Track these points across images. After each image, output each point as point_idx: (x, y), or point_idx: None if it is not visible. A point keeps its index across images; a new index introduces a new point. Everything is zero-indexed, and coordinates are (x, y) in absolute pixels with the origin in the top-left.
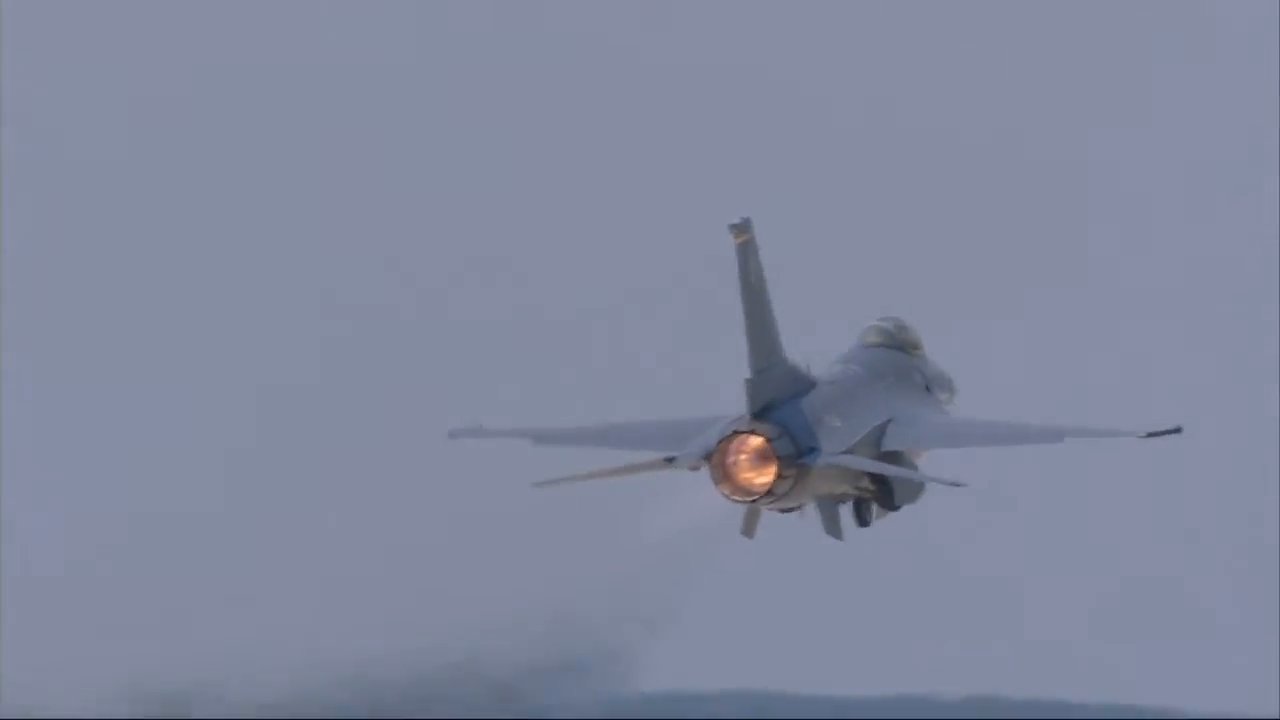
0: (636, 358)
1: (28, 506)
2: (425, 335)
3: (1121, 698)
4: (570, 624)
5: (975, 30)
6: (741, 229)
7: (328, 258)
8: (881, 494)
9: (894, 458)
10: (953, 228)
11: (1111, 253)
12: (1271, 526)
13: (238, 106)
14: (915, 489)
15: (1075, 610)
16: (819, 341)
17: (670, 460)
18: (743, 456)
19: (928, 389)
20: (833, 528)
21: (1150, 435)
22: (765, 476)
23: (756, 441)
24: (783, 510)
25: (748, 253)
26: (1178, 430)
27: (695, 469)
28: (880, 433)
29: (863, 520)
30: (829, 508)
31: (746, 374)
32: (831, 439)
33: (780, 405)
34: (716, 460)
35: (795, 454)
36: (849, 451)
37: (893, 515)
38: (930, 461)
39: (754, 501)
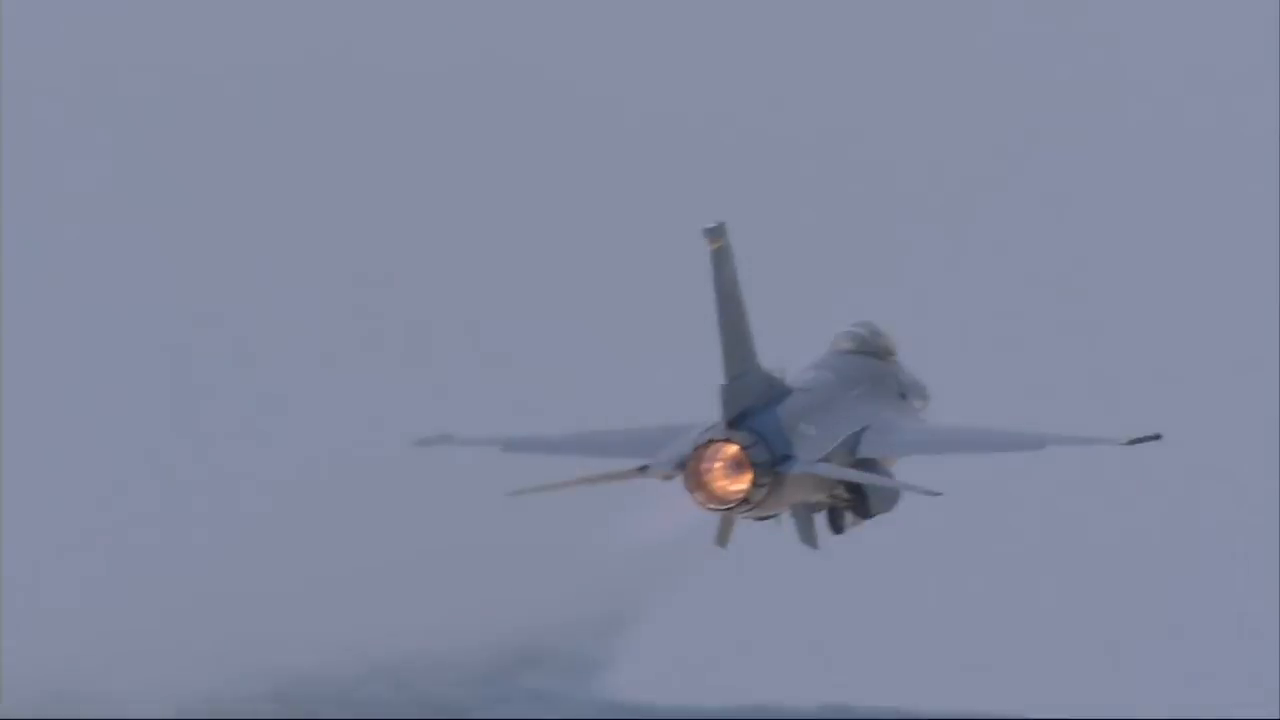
0: (608, 364)
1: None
2: (392, 341)
3: (1100, 711)
4: (539, 634)
5: (944, 33)
6: (716, 234)
7: (298, 264)
8: (856, 502)
9: (869, 465)
10: (926, 232)
11: (1086, 257)
12: (1254, 533)
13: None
14: (890, 497)
15: (1050, 621)
16: (790, 347)
17: (643, 469)
18: (717, 465)
19: (902, 396)
20: (807, 536)
21: (1131, 442)
22: (740, 485)
23: (731, 449)
24: (757, 519)
25: (722, 258)
26: (1157, 437)
27: (668, 478)
28: (855, 440)
29: (837, 528)
30: (804, 516)
31: (720, 381)
32: (806, 447)
33: (755, 413)
34: (690, 468)
35: (770, 462)
36: (824, 460)
37: (867, 523)
38: (908, 469)
39: (728, 510)
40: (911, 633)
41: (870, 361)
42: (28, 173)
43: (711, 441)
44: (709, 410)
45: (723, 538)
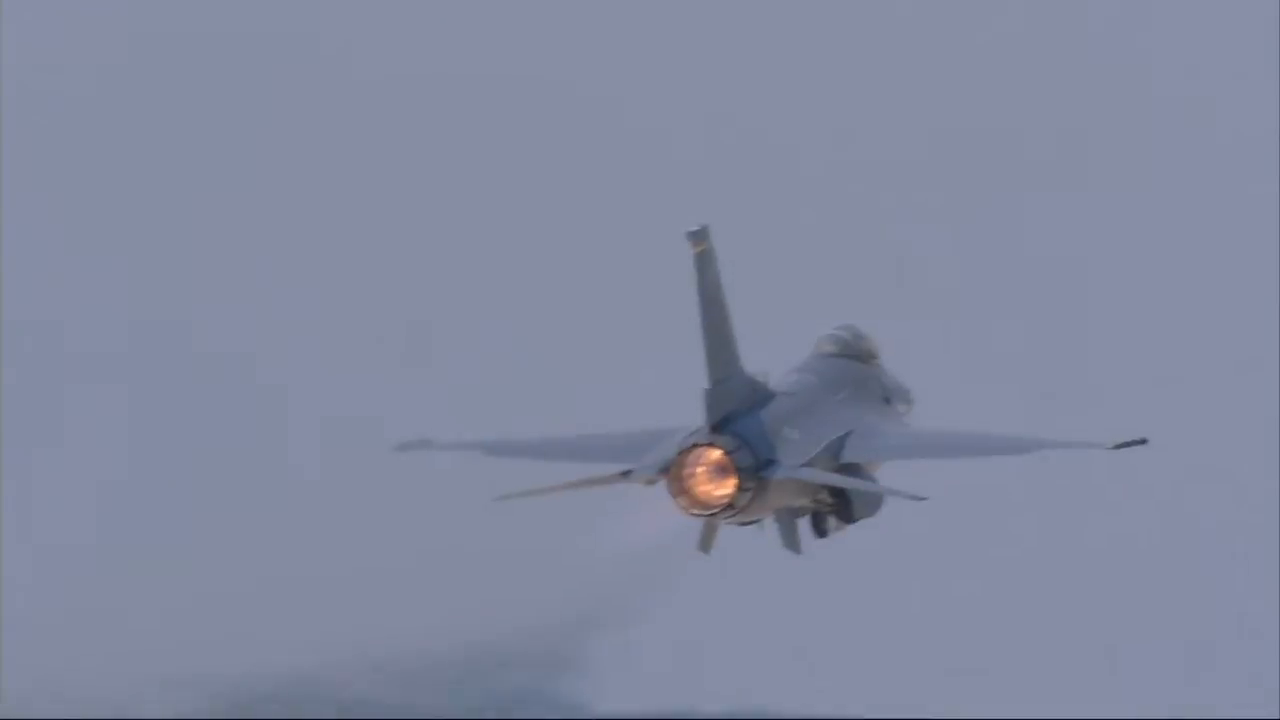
0: (590, 367)
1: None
2: (372, 344)
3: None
4: (519, 640)
5: (925, 34)
6: (699, 237)
7: (280, 267)
8: (840, 507)
9: (853, 470)
10: (910, 234)
11: (1069, 259)
12: (1254, 534)
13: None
14: (874, 502)
15: (1049, 622)
16: (772, 350)
17: (627, 474)
18: (701, 469)
19: (886, 400)
20: (791, 542)
21: (1118, 447)
22: (724, 489)
23: (715, 454)
24: (740, 524)
25: (705, 262)
26: (1144, 441)
27: (652, 483)
28: (839, 445)
29: (820, 532)
30: (787, 521)
31: (704, 385)
32: (790, 452)
33: (739, 417)
34: (674, 473)
35: (754, 467)
36: (808, 464)
37: (850, 528)
38: (893, 474)
39: (712, 516)
40: (901, 637)
41: (853, 365)
42: (28, 173)
43: (695, 446)
44: (692, 414)
45: (706, 543)
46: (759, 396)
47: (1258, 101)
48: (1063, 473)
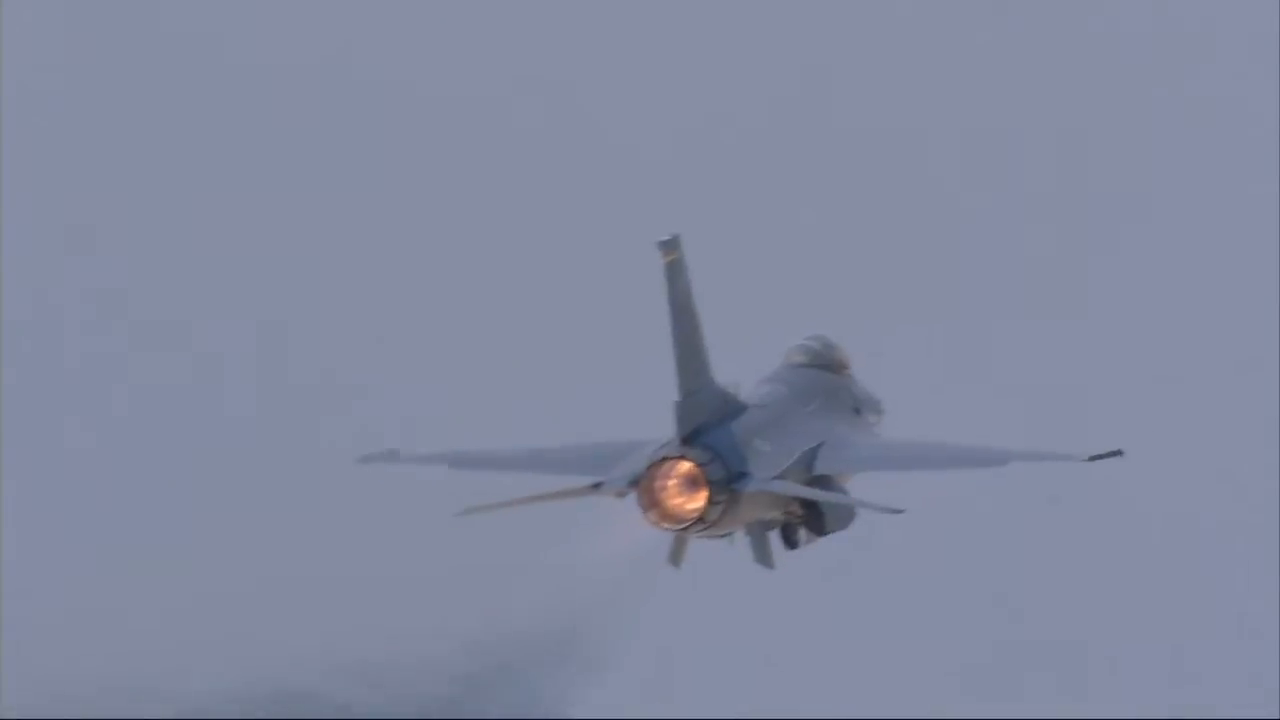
0: (558, 378)
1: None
2: (337, 354)
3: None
4: (485, 656)
5: (898, 45)
6: (670, 247)
7: (245, 273)
8: (811, 519)
9: (824, 482)
10: (879, 243)
11: (1042, 268)
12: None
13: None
14: (846, 514)
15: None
16: (741, 360)
17: (596, 487)
18: (672, 482)
19: (857, 410)
20: (763, 556)
21: (1093, 459)
22: (695, 503)
23: (686, 466)
24: (711, 537)
25: (676, 271)
26: (1119, 453)
27: (622, 495)
28: (811, 457)
29: (791, 543)
30: (759, 535)
31: (674, 397)
32: (762, 464)
33: (710, 429)
34: (644, 486)
35: (726, 480)
36: (780, 477)
37: (821, 539)
38: (866, 486)
39: (682, 529)
40: (917, 643)
41: (824, 375)
42: (28, 174)
43: (666, 459)
44: (662, 425)
45: (676, 557)
46: (730, 408)
47: (1251, 102)
48: (1062, 473)
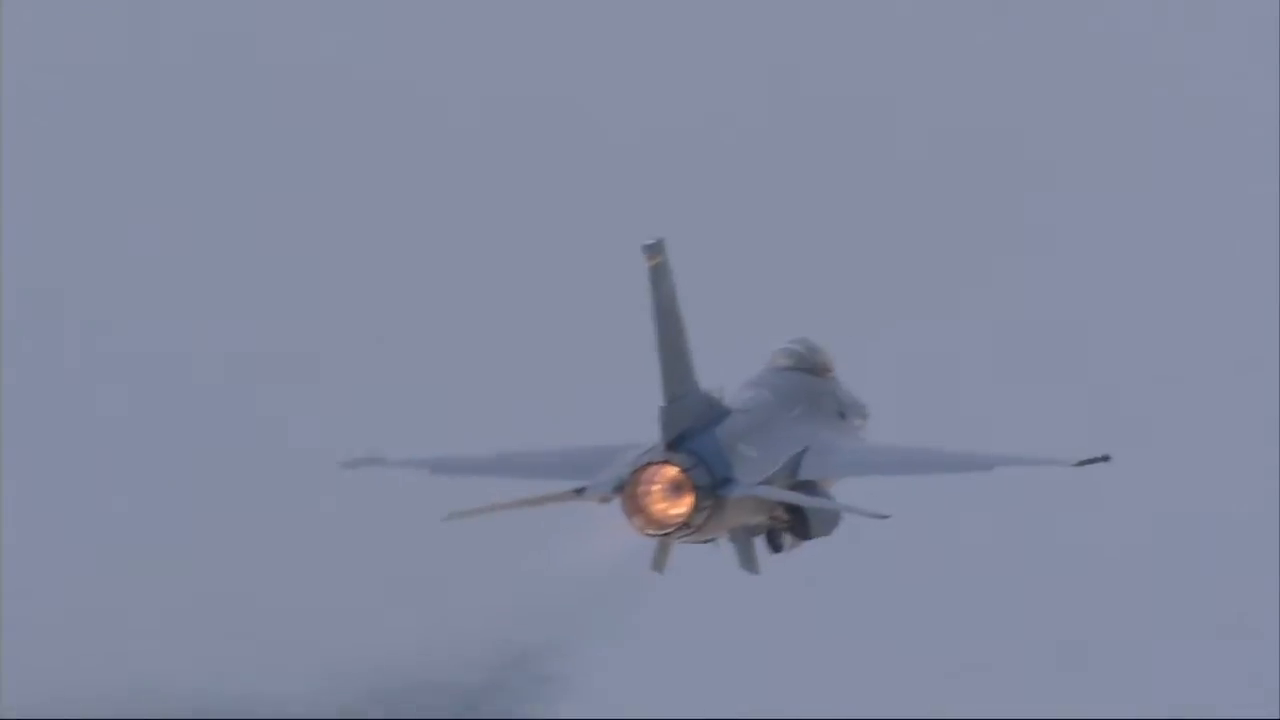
0: (540, 381)
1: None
2: (317, 358)
3: None
4: (465, 664)
5: (880, 50)
6: (654, 251)
7: (225, 277)
8: (796, 524)
9: (809, 487)
10: (864, 245)
11: (1022, 273)
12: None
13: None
14: (831, 520)
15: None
16: (724, 364)
17: (580, 492)
18: (656, 487)
19: (841, 414)
20: (748, 562)
21: (1081, 464)
22: (680, 508)
23: (671, 472)
24: (695, 543)
25: (660, 275)
26: (1106, 458)
27: (606, 501)
28: (796, 462)
29: (775, 546)
30: (743, 541)
31: (657, 400)
32: (747, 469)
33: (695, 434)
34: (629, 492)
35: (711, 485)
36: (765, 482)
37: (806, 544)
38: (851, 490)
39: (667, 535)
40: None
41: (808, 379)
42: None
43: (650, 464)
44: (646, 429)
45: (659, 563)
46: (714, 413)
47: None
48: (1058, 473)
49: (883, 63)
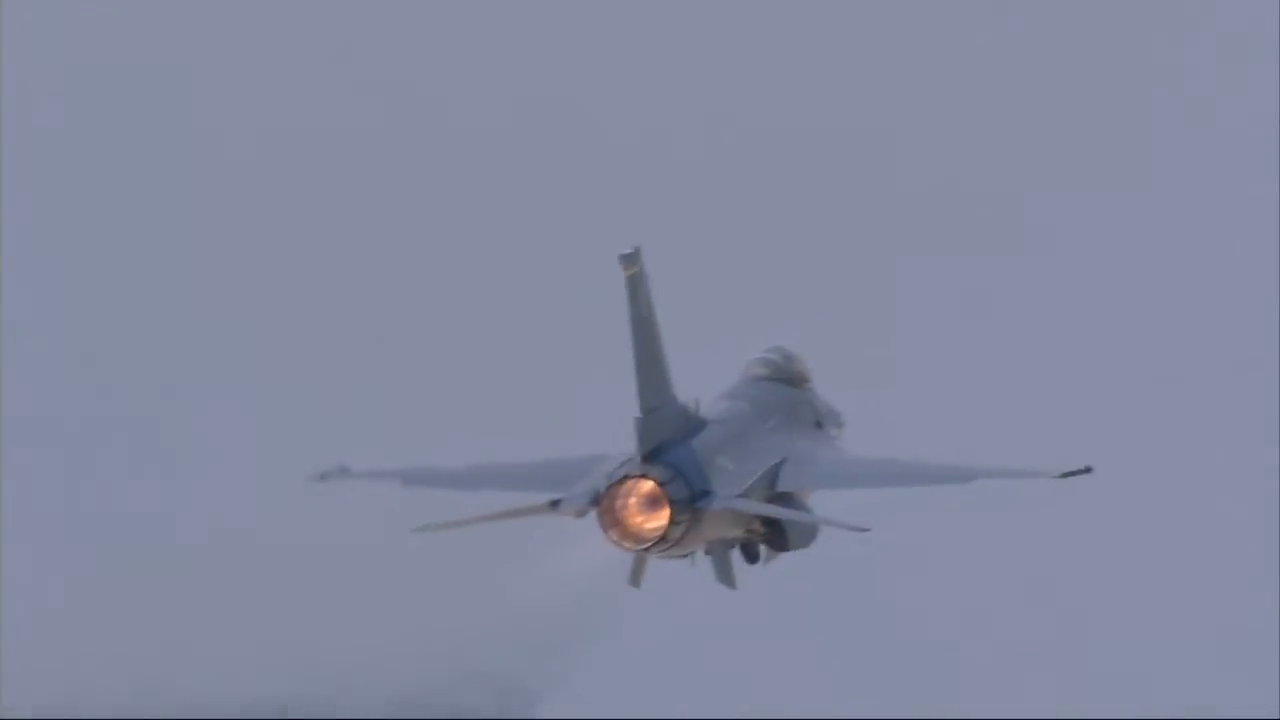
0: (516, 391)
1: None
2: (291, 368)
3: None
4: (437, 679)
5: (864, 59)
6: (631, 260)
7: (200, 290)
8: (773, 536)
9: (787, 499)
10: (837, 252)
11: (1002, 281)
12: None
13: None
14: (809, 533)
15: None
16: (700, 374)
17: (555, 505)
18: (633, 501)
19: (818, 424)
20: (724, 576)
21: (1063, 476)
22: (657, 522)
23: (647, 485)
24: (672, 557)
25: (637, 285)
26: (1089, 470)
27: (581, 514)
28: (774, 473)
29: (751, 557)
30: (720, 554)
31: (635, 413)
32: (725, 482)
33: (672, 446)
34: (605, 505)
35: (689, 498)
36: (743, 494)
37: (783, 555)
38: (830, 501)
39: (644, 549)
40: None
41: (785, 389)
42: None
43: (627, 477)
44: (622, 439)
45: (635, 577)
46: (691, 424)
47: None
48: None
49: (876, 65)
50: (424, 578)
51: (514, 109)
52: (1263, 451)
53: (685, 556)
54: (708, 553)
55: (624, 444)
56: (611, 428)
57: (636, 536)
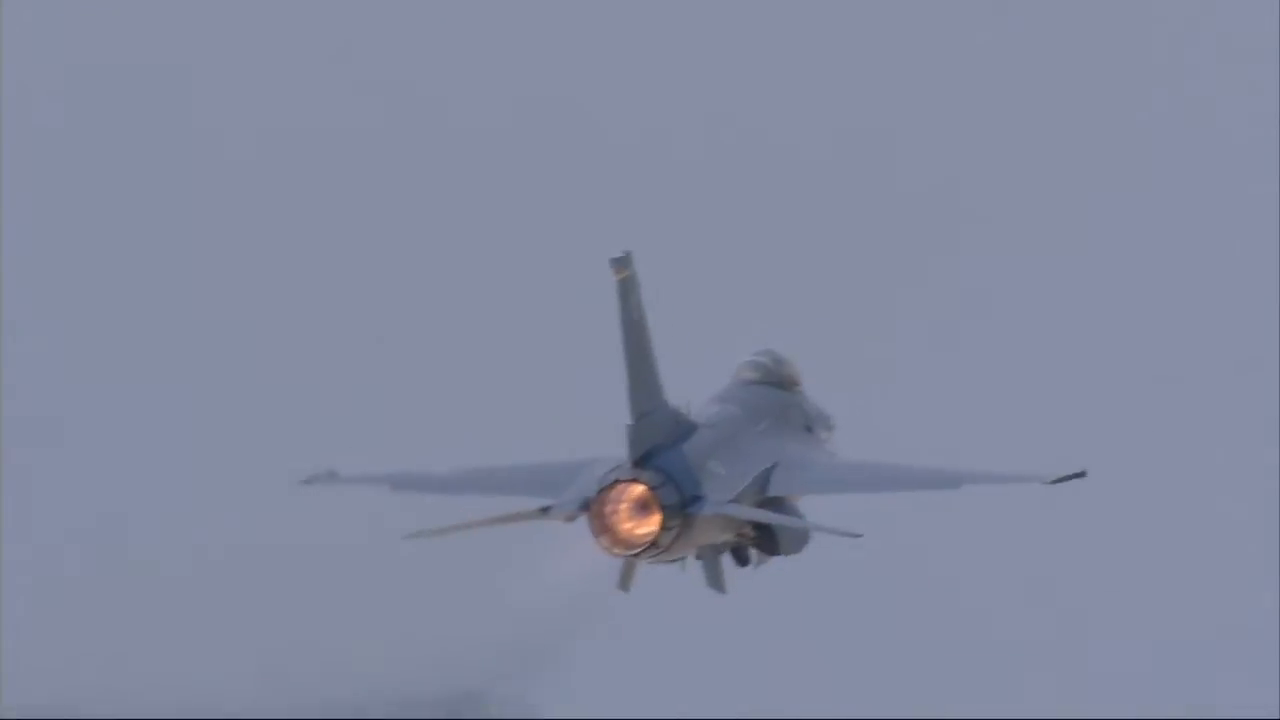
0: (505, 395)
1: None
2: (277, 370)
3: None
4: (429, 687)
5: (852, 62)
6: (622, 264)
7: (196, 290)
8: (764, 541)
9: (778, 503)
10: (827, 255)
11: (992, 283)
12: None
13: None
14: (800, 538)
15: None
16: (690, 377)
17: (545, 510)
18: (624, 506)
19: (808, 428)
20: (715, 581)
21: (1056, 481)
22: (648, 527)
23: (638, 490)
24: (662, 563)
25: (628, 288)
26: (1082, 475)
27: (571, 520)
28: (765, 478)
29: (741, 560)
30: (711, 559)
31: (622, 409)
32: (716, 487)
33: (662, 451)
34: (595, 511)
35: (680, 504)
36: (735, 499)
37: (773, 559)
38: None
39: (634, 555)
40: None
41: (775, 392)
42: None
43: (617, 482)
44: (611, 442)
45: (625, 582)
46: (682, 429)
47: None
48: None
49: (873, 66)
50: (410, 583)
51: (504, 113)
52: (1263, 451)
53: (675, 562)
54: (698, 557)
55: (614, 448)
56: (602, 431)
57: (627, 542)
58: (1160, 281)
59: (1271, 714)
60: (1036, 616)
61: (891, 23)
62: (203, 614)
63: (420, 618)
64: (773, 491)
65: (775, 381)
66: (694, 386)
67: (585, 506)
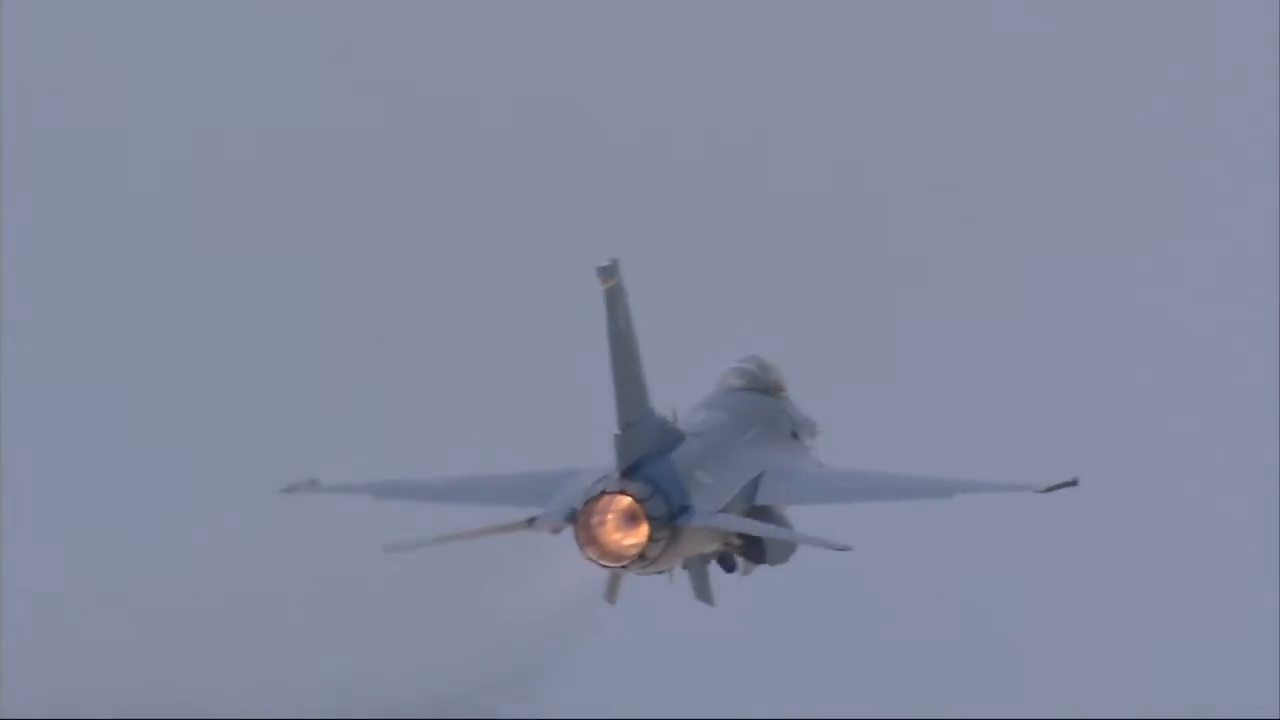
0: (490, 403)
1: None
2: (258, 379)
3: None
4: (413, 698)
5: (840, 66)
6: (609, 273)
7: (193, 291)
8: (751, 550)
9: (766, 513)
10: (814, 259)
11: (988, 286)
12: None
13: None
14: (788, 548)
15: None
16: (674, 383)
17: (531, 522)
18: (611, 518)
19: (794, 434)
20: (702, 592)
21: (1048, 490)
22: (635, 539)
23: (625, 501)
24: (649, 574)
25: (615, 298)
26: (1074, 483)
27: (558, 531)
28: (753, 488)
29: (728, 567)
30: (699, 571)
31: (608, 417)
32: (704, 497)
33: (650, 461)
34: (582, 522)
35: (668, 515)
36: (723, 508)
37: (759, 567)
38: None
39: (622, 567)
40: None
41: (761, 399)
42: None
43: (604, 493)
44: (598, 451)
45: (611, 594)
46: (669, 438)
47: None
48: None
49: (869, 66)
50: (394, 594)
51: (491, 116)
52: (1263, 451)
53: (663, 573)
54: (685, 568)
55: (601, 458)
56: (589, 440)
57: (614, 554)
58: (1158, 284)
59: (1271, 714)
60: (1036, 616)
61: (890, 23)
62: (202, 614)
63: (403, 629)
64: (761, 501)
65: (761, 388)
66: (677, 394)
67: (572, 518)
